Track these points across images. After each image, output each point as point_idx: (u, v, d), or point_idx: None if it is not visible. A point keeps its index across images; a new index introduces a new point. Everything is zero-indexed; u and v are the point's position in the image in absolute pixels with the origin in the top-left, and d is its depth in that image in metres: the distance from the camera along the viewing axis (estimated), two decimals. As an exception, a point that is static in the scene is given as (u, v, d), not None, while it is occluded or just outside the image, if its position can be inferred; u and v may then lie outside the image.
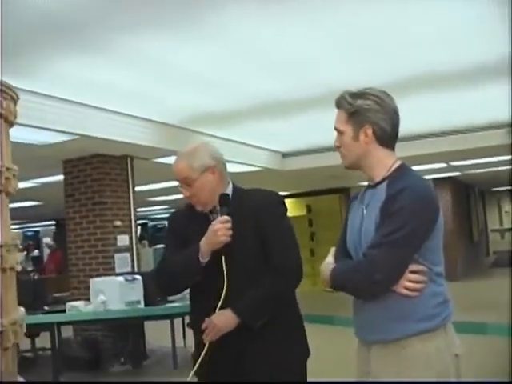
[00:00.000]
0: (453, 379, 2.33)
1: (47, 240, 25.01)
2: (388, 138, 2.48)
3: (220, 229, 2.71)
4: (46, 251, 22.97)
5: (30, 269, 20.28)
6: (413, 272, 2.32)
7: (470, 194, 23.35)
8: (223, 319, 2.75)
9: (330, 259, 2.58)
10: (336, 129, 2.53)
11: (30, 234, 28.64)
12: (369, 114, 2.43)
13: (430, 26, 5.37)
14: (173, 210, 3.32)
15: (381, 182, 2.46)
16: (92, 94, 6.78)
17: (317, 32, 5.36)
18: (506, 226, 30.30)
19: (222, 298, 2.69)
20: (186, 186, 2.86)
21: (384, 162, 2.48)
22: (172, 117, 8.04)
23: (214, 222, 2.75)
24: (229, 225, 2.72)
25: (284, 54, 5.89)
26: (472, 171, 16.41)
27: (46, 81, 6.19)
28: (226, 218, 2.74)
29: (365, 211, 2.49)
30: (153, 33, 5.12)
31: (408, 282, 2.31)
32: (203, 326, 2.76)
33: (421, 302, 2.33)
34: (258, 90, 7.05)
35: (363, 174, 2.56)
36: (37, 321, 7.43)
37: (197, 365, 2.78)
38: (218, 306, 2.71)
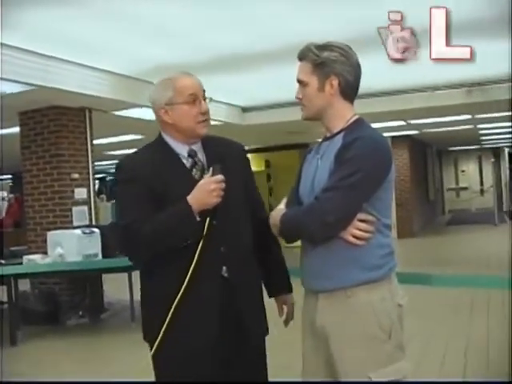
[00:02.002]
0: (395, 328, 2.40)
1: (4, 194, 24.67)
2: (351, 90, 2.53)
3: (215, 189, 2.49)
4: (3, 205, 22.66)
5: (-15, 223, 20.04)
6: (361, 221, 2.36)
7: (427, 153, 23.63)
8: (293, 300, 2.89)
9: (281, 206, 2.60)
10: (299, 80, 2.55)
11: (-15, 188, 28.17)
12: (335, 65, 2.46)
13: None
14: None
15: (337, 134, 2.51)
16: (49, 44, 6.65)
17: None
18: (462, 185, 30.74)
19: (196, 256, 2.49)
20: (203, 101, 2.66)
21: (343, 115, 2.53)
22: (131, 69, 7.93)
23: (206, 179, 2.52)
24: (223, 185, 2.51)
25: (245, 7, 5.83)
26: (430, 130, 16.57)
27: (2, 29, 6.01)
28: (221, 177, 2.51)
29: (319, 161, 2.53)
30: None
31: (356, 230, 2.35)
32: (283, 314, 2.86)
33: (368, 251, 2.38)
34: (219, 42, 6.99)
35: (321, 125, 2.59)
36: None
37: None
38: (193, 266, 2.49)
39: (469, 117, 13.44)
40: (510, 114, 10.77)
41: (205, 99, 2.68)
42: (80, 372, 6.11)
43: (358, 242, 2.36)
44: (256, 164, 18.31)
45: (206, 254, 2.52)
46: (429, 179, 23.15)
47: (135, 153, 2.79)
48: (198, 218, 2.50)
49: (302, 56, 2.53)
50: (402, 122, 13.99)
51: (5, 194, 23.82)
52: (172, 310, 2.51)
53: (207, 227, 2.51)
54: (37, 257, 7.75)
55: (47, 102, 8.31)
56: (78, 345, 7.39)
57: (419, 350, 5.83)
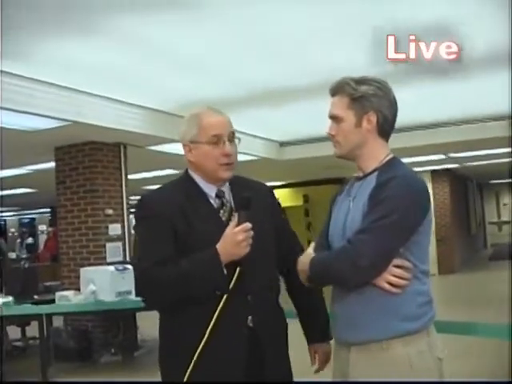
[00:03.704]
0: None
1: (43, 227, 24.93)
2: (388, 127, 2.39)
3: (244, 239, 2.34)
4: (42, 238, 22.89)
5: (24, 256, 20.21)
6: (397, 267, 2.20)
7: (468, 187, 23.30)
8: (329, 349, 2.71)
9: (309, 251, 2.45)
10: (333, 116, 2.40)
11: (25, 221, 28.50)
12: (374, 99, 2.33)
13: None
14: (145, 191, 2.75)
15: (370, 174, 2.36)
16: (85, 80, 6.65)
17: (317, 19, 5.23)
18: (504, 218, 30.20)
19: (221, 305, 2.34)
20: (231, 143, 2.51)
21: (378, 154, 2.39)
22: (167, 104, 7.89)
23: (233, 229, 2.35)
24: (251, 233, 2.35)
25: (283, 41, 5.75)
26: (470, 163, 16.29)
27: (37, 65, 6.06)
28: (249, 225, 2.35)
29: (351, 203, 2.38)
30: (148, 16, 4.97)
31: (391, 277, 2.20)
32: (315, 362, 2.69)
33: (404, 300, 2.22)
34: (256, 77, 6.92)
35: (355, 164, 2.46)
36: (24, 312, 7.35)
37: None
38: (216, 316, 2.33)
39: (509, 150, 13.16)
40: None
41: (232, 140, 2.52)
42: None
43: (394, 289, 2.19)
44: (294, 199, 18.20)
45: (232, 303, 2.37)
46: (470, 213, 22.77)
47: (159, 189, 2.62)
48: (225, 271, 2.34)
49: (337, 90, 2.39)
50: (442, 156, 13.77)
51: (44, 227, 24.08)
52: (193, 362, 2.35)
53: (236, 278, 2.37)
54: (69, 293, 7.67)
55: (82, 137, 8.31)
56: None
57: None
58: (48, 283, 8.98)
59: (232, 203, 2.54)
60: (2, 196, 14.41)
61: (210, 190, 2.54)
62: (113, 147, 8.78)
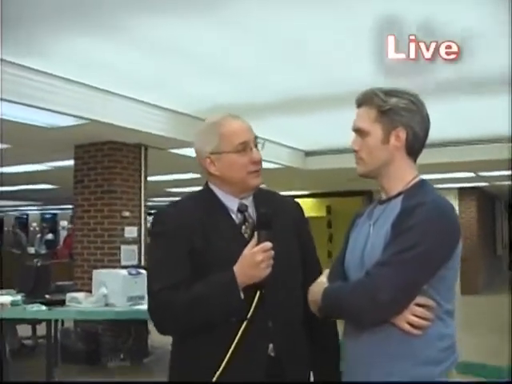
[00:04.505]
0: None
1: (64, 223, 24.95)
2: (418, 146, 2.16)
3: (264, 260, 2.14)
4: (63, 234, 22.91)
5: (42, 252, 20.17)
6: (419, 305, 1.97)
7: (496, 206, 22.91)
8: None
9: (323, 279, 2.21)
10: (358, 129, 2.19)
11: (47, 216, 28.58)
12: (405, 113, 2.10)
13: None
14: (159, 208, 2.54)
15: (395, 197, 2.13)
16: (108, 79, 6.55)
17: (346, 25, 5.04)
18: (531, 240, 29.69)
19: (240, 333, 2.14)
20: (254, 149, 2.33)
21: (404, 175, 2.15)
22: (190, 107, 7.74)
23: (251, 249, 2.16)
24: (271, 253, 2.15)
25: (311, 47, 5.58)
26: (499, 182, 15.98)
27: (59, 62, 5.96)
28: (268, 245, 2.15)
29: (372, 228, 2.14)
30: (172, 17, 4.85)
31: (412, 316, 1.96)
32: None
33: (425, 343, 1.99)
34: (282, 83, 6.74)
35: (378, 183, 2.22)
36: (30, 316, 7.28)
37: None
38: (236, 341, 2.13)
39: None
40: None
41: (256, 145, 2.33)
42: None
43: (414, 330, 1.96)
44: (317, 209, 17.98)
45: (252, 330, 2.15)
46: (496, 233, 22.38)
47: (177, 203, 2.44)
48: (242, 296, 2.14)
49: (364, 101, 2.16)
50: (471, 174, 13.49)
51: (65, 223, 24.10)
52: None
53: (257, 300, 2.16)
54: (80, 295, 7.49)
55: (102, 136, 8.19)
56: (116, 388, 7.08)
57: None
58: (60, 282, 8.78)
59: (255, 219, 2.33)
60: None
61: (232, 204, 2.34)
62: (133, 148, 8.65)
